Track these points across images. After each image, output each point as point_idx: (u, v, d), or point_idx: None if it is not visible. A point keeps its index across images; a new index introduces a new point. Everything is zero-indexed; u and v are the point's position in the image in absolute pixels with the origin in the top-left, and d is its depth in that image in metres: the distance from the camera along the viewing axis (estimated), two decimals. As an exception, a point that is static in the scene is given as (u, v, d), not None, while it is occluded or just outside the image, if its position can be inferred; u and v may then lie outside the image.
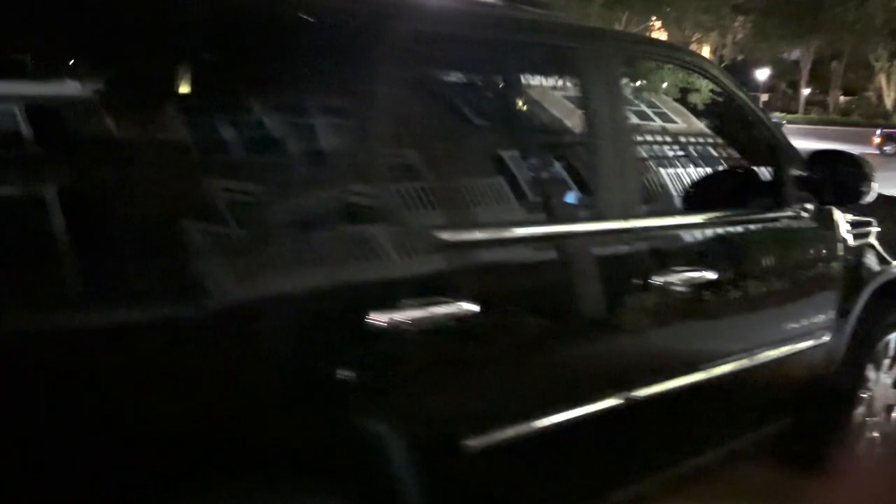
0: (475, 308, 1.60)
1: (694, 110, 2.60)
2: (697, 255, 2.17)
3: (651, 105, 2.46)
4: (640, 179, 2.15)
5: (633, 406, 1.98)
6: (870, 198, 2.53)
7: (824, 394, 2.65)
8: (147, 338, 1.25)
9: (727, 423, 2.41)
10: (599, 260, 1.94)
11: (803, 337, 2.53)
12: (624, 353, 1.98)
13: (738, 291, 2.30)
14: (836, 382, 2.68)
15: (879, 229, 2.80)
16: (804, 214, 2.52)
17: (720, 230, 2.29)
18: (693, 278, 2.10)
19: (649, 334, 2.03)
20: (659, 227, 2.13)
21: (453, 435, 1.63)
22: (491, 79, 2.07)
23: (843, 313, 2.65)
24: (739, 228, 2.37)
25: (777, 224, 2.48)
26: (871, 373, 2.85)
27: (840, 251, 2.63)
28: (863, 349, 2.77)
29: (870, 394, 2.86)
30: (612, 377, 1.95)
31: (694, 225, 2.22)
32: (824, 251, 2.61)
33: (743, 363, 2.32)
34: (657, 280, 1.99)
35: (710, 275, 2.14)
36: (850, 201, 2.56)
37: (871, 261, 2.76)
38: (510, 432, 1.72)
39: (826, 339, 2.60)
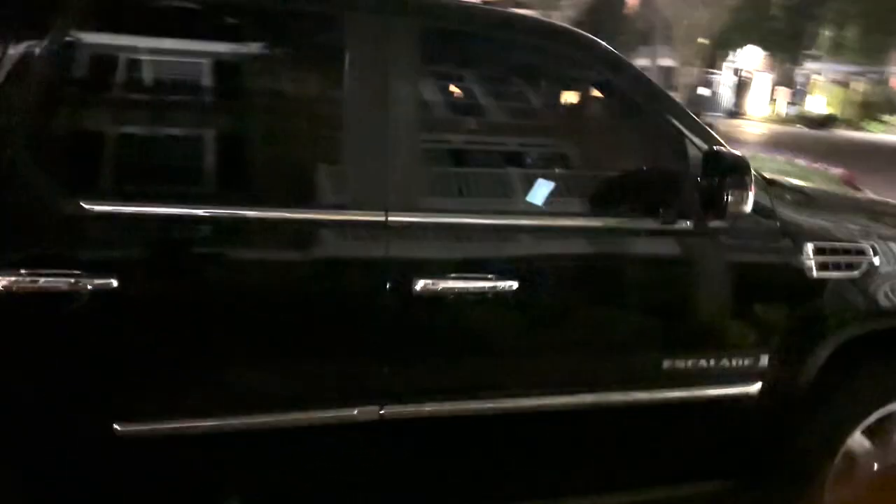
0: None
1: (554, 95, 2.29)
2: (496, 262, 1.93)
3: (481, 87, 2.19)
4: (416, 170, 1.93)
5: (394, 423, 1.88)
6: (742, 211, 2.03)
7: (778, 459, 2.29)
8: None
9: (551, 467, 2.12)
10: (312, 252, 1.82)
11: (707, 381, 2.16)
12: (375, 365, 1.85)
13: (565, 313, 2.02)
14: (800, 448, 2.30)
15: (875, 261, 2.29)
16: (705, 230, 2.08)
17: (538, 235, 2.02)
18: (480, 288, 1.86)
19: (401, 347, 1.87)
20: (434, 225, 1.91)
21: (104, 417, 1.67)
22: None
23: (787, 363, 2.22)
24: (578, 237, 2.04)
25: (660, 239, 2.10)
26: (861, 445, 2.37)
27: (779, 282, 2.21)
28: (844, 413, 2.33)
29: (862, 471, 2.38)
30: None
31: (490, 227, 1.96)
32: (744, 279, 2.19)
33: (581, 399, 2.04)
34: (424, 286, 1.83)
35: (508, 285, 1.89)
36: (716, 216, 2.04)
37: (847, 302, 2.29)
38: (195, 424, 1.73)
39: (751, 389, 2.20)
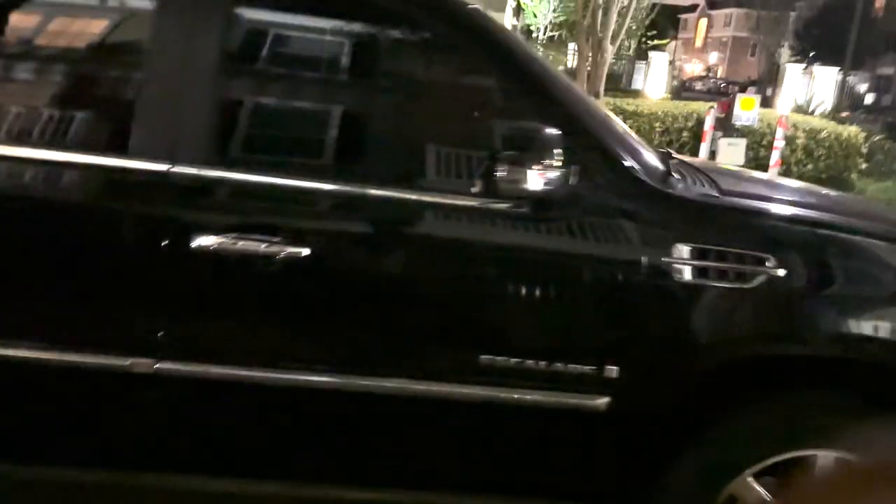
0: None
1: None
2: (286, 226, 1.82)
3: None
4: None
5: (168, 379, 1.83)
6: (520, 191, 1.79)
7: (641, 489, 1.98)
8: None
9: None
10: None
11: (539, 385, 1.90)
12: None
13: (358, 288, 1.88)
14: (668, 483, 1.96)
15: (778, 273, 1.87)
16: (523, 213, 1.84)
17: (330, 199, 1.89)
18: (264, 252, 1.78)
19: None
20: (220, 181, 1.84)
21: None
22: None
23: (648, 379, 1.90)
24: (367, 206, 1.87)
25: (467, 217, 1.88)
26: (751, 493, 1.97)
27: (631, 283, 1.88)
28: (727, 451, 1.96)
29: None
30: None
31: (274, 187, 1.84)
32: (577, 274, 1.90)
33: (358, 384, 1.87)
34: (201, 243, 1.77)
35: (297, 251, 1.80)
36: (487, 194, 1.81)
37: (729, 318, 1.92)
38: None
39: (595, 402, 1.90)
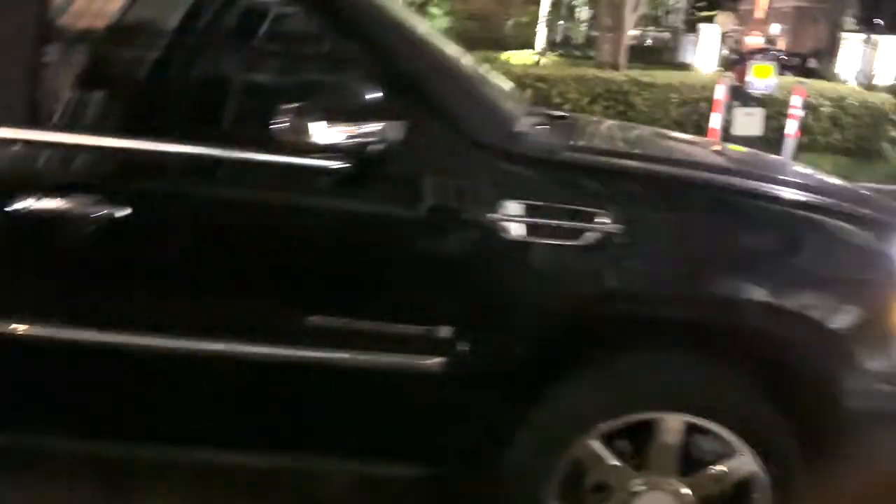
0: None
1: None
2: (104, 185, 1.81)
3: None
4: None
5: None
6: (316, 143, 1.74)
7: (485, 449, 1.95)
8: None
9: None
10: None
11: (368, 346, 1.86)
12: None
13: (176, 247, 1.87)
14: (509, 442, 1.91)
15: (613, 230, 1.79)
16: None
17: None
18: (82, 212, 1.77)
19: None
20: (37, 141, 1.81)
21: None
22: None
23: (482, 339, 1.84)
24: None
25: (274, 174, 1.86)
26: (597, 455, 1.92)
27: (456, 241, 1.85)
28: (567, 411, 1.91)
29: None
30: None
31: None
32: (400, 231, 1.87)
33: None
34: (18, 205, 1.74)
35: (118, 211, 1.77)
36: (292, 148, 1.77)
37: (562, 277, 1.86)
38: None
39: (428, 363, 1.85)
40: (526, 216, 1.85)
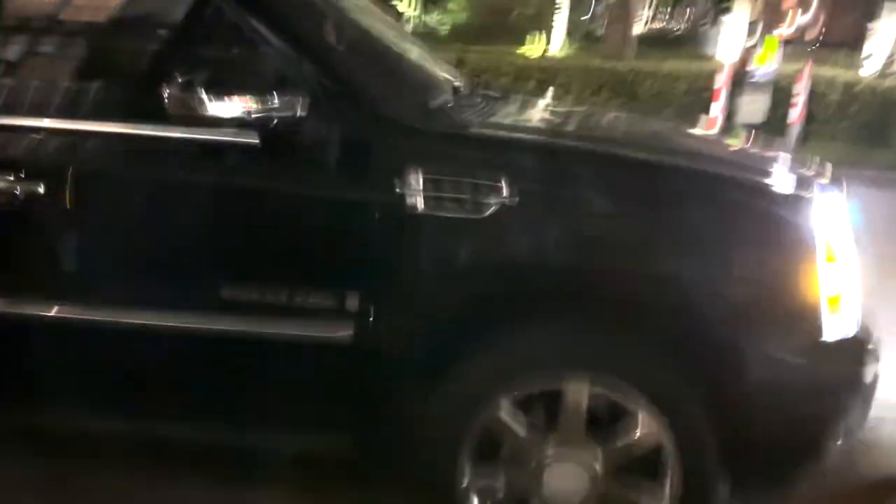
0: None
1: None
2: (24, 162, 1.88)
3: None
4: None
5: None
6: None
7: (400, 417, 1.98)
8: None
9: None
10: None
11: (281, 318, 1.91)
12: None
13: (89, 220, 1.93)
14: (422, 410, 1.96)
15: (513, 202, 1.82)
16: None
17: None
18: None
19: None
20: None
21: None
22: None
23: (390, 309, 1.89)
24: None
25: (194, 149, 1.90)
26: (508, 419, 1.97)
27: (359, 213, 1.88)
28: (475, 377, 1.95)
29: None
30: None
31: None
32: (303, 204, 1.92)
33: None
34: None
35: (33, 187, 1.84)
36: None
37: (461, 249, 1.90)
38: None
39: (340, 333, 1.90)
40: (426, 189, 1.88)
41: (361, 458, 2.13)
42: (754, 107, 8.47)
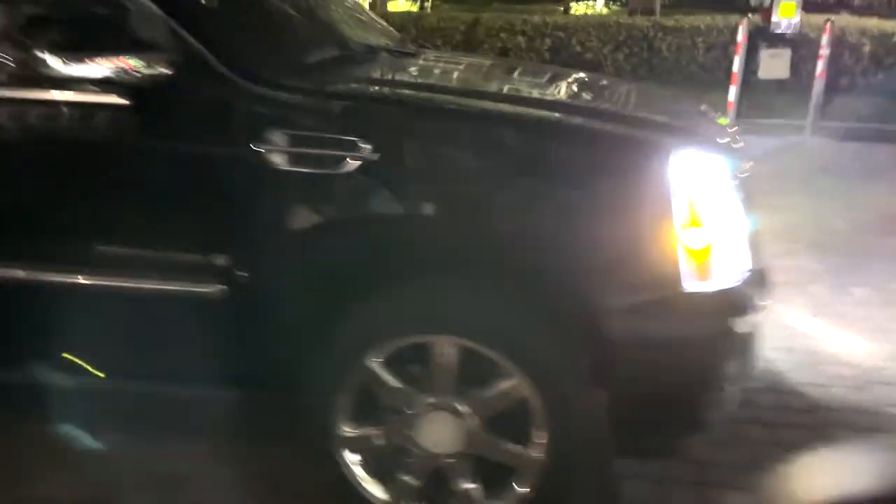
0: None
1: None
2: None
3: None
4: None
5: None
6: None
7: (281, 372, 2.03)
8: None
9: None
10: None
11: (155, 275, 1.98)
12: None
13: None
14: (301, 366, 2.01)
15: (374, 158, 1.83)
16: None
17: None
18: None
19: None
20: None
21: None
22: None
23: (259, 266, 1.94)
24: None
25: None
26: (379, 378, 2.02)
27: (223, 171, 1.92)
28: (347, 335, 2.00)
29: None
30: None
31: None
32: (168, 162, 1.94)
33: None
34: None
35: None
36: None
37: (325, 204, 1.93)
38: None
39: (212, 290, 1.96)
40: (287, 145, 1.91)
41: (244, 412, 2.18)
42: (778, 61, 8.17)
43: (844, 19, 9.72)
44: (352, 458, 2.10)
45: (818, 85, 8.00)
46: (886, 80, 9.11)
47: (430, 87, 2.23)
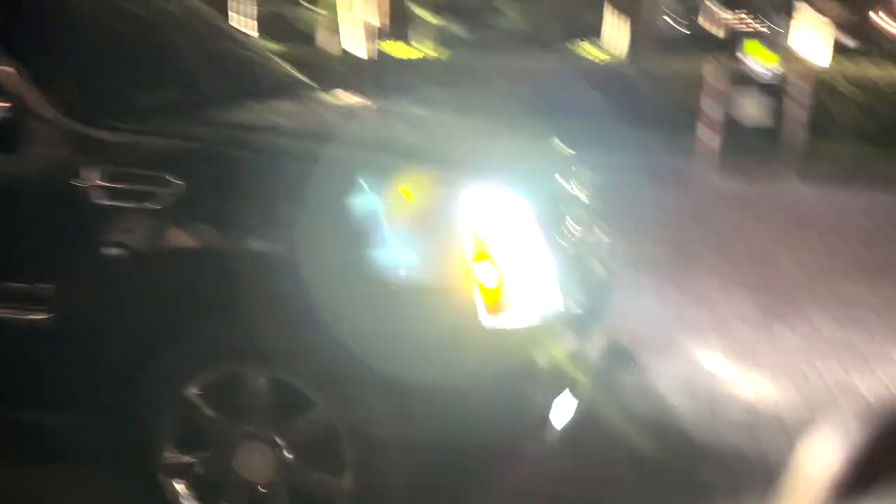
0: None
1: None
2: None
3: None
4: None
5: None
6: None
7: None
8: None
9: None
10: None
11: None
12: None
13: None
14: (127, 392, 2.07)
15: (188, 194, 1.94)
16: None
17: None
18: None
19: None
20: None
21: None
22: None
23: (86, 294, 2.05)
24: None
25: None
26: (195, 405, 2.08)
27: (49, 205, 2.03)
28: (167, 363, 2.07)
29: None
30: None
31: None
32: None
33: None
34: None
35: None
36: None
37: (140, 238, 2.03)
38: None
39: (37, 316, 2.05)
40: (106, 181, 2.02)
41: (71, 438, 2.22)
42: (757, 108, 8.17)
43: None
44: (176, 485, 2.16)
45: (798, 128, 8.02)
46: (862, 124, 8.96)
47: (239, 126, 2.35)
